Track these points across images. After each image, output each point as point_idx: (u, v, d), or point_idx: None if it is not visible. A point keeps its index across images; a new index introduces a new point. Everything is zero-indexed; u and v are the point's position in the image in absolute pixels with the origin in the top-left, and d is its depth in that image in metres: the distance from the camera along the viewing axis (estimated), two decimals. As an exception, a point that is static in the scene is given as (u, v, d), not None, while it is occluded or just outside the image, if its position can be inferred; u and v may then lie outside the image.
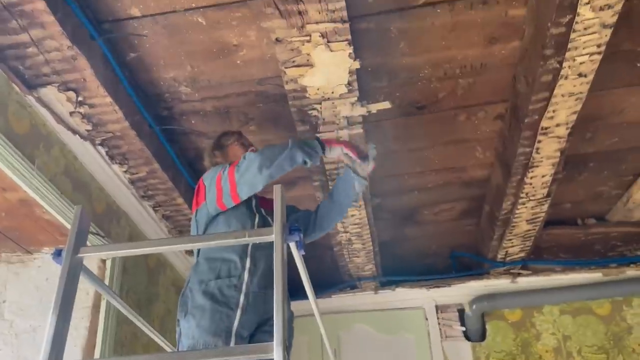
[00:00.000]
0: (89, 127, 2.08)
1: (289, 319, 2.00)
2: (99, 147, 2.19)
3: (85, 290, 2.25)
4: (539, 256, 3.60)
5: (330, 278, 3.72)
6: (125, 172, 2.35)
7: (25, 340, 2.18)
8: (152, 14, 1.94)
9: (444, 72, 2.27)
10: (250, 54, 2.12)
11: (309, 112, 2.13)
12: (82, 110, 1.99)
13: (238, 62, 2.16)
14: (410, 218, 3.38)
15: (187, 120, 2.43)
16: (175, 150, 2.54)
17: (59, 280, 1.38)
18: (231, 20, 1.98)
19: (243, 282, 1.84)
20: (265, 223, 2.01)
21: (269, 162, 1.90)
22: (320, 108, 2.11)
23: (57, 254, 1.45)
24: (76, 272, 1.42)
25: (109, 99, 1.98)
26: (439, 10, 1.99)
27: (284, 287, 1.31)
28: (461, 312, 3.70)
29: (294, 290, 2.20)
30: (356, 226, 2.91)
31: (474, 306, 3.60)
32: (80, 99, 1.95)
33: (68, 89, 1.91)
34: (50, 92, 1.91)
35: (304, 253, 1.50)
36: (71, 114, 2.02)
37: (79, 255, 1.43)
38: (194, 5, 1.92)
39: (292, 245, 1.46)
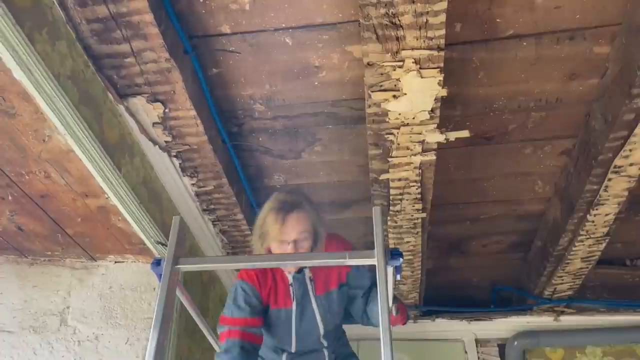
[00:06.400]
0: (169, 139, 2.10)
1: None
2: (174, 159, 2.21)
3: (147, 301, 2.24)
4: (583, 295, 3.55)
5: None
6: (194, 184, 2.36)
7: (88, 348, 2.16)
8: (242, 31, 1.97)
9: (518, 105, 2.28)
10: (329, 75, 2.14)
11: (385, 136, 2.13)
12: (165, 121, 2.01)
13: (316, 83, 2.17)
14: (457, 248, 3.36)
15: (255, 138, 2.45)
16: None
17: (159, 292, 1.36)
18: (317, 42, 2.01)
19: None
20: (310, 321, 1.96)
21: None
22: (398, 133, 2.11)
23: (157, 263, 1.45)
24: (174, 283, 1.41)
25: (193, 112, 2.00)
26: (524, 43, 2.01)
27: (388, 311, 1.30)
28: (502, 347, 3.64)
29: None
30: (409, 253, 2.89)
31: (516, 342, 3.55)
32: (166, 110, 1.97)
33: (156, 100, 1.93)
34: (139, 103, 1.94)
35: (399, 279, 1.49)
36: (154, 124, 2.04)
37: (178, 266, 1.42)
38: (284, 25, 1.95)
39: (389, 269, 1.44)
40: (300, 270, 1.88)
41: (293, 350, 1.98)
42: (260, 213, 1.86)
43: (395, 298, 1.80)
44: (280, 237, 1.74)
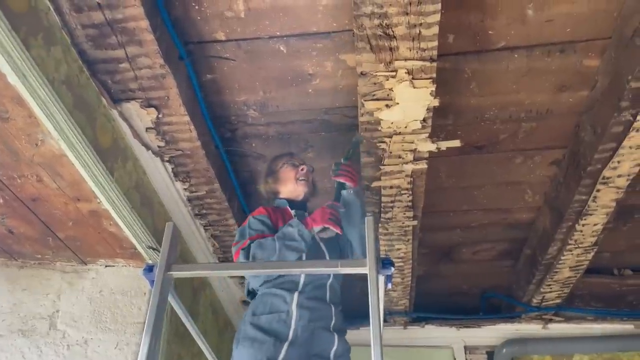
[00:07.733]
0: (162, 144, 2.10)
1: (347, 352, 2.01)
2: (167, 164, 2.21)
3: (137, 305, 2.24)
4: (571, 303, 3.58)
5: (361, 308, 3.68)
6: (186, 189, 2.36)
7: (77, 352, 2.15)
8: (237, 39, 1.98)
9: (509, 115, 2.31)
10: (322, 83, 2.16)
11: (378, 144, 2.15)
12: (159, 126, 2.02)
13: (310, 90, 2.19)
14: (447, 255, 3.38)
15: (248, 143, 2.46)
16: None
17: (151, 299, 1.37)
18: (311, 51, 2.02)
19: (292, 317, 1.90)
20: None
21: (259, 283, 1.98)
22: (390, 142, 2.13)
23: (149, 269, 1.45)
24: (166, 289, 1.42)
25: (186, 118, 2.00)
26: (516, 55, 2.04)
27: (379, 320, 1.31)
28: (490, 354, 3.66)
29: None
30: (400, 260, 2.91)
31: (504, 350, 3.56)
32: (160, 115, 1.97)
33: (150, 106, 1.94)
34: (132, 107, 1.94)
35: (390, 287, 1.50)
36: (147, 129, 2.04)
37: (170, 272, 1.43)
38: (278, 33, 1.97)
39: (381, 277, 1.46)
40: (300, 209, 2.19)
41: (302, 280, 1.96)
42: (264, 167, 2.35)
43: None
44: (293, 162, 2.25)
